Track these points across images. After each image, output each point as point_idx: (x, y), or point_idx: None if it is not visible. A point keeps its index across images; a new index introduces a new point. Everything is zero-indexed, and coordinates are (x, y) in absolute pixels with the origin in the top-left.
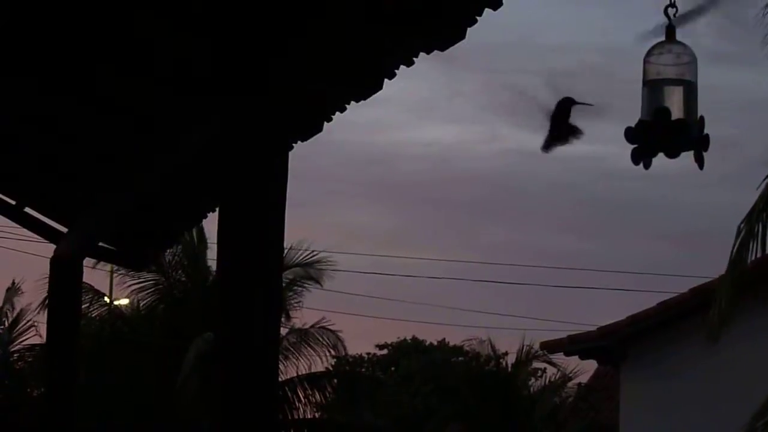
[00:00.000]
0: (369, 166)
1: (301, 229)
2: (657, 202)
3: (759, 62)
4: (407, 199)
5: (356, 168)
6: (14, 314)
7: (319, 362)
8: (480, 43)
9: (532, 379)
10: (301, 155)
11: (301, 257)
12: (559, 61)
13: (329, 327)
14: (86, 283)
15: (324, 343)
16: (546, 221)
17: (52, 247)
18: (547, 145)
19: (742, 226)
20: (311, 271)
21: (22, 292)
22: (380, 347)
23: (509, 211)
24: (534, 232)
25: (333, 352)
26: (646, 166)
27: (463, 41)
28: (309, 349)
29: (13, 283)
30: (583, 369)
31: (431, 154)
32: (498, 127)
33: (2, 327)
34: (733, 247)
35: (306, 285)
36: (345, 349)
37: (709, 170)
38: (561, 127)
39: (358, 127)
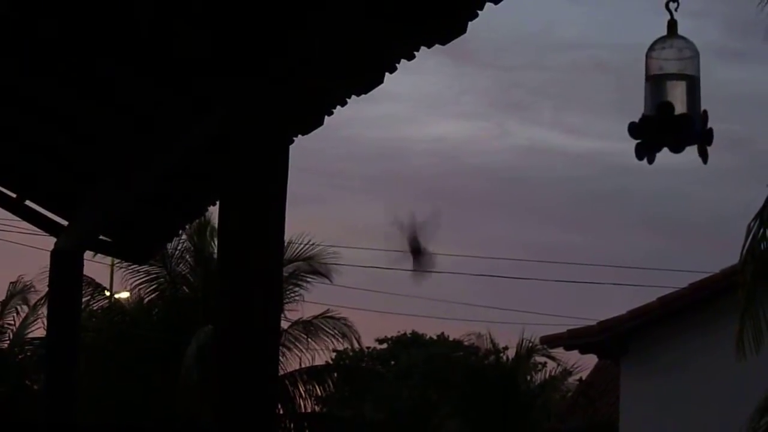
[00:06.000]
0: (377, 162)
1: (307, 224)
2: (660, 197)
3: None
4: (413, 194)
5: (364, 163)
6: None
7: (320, 355)
8: (489, 38)
9: (532, 374)
10: (314, 150)
11: (300, 251)
12: (570, 57)
13: (336, 316)
14: (87, 276)
15: (332, 333)
16: (550, 216)
17: (53, 240)
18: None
19: (752, 224)
20: (316, 265)
21: (27, 284)
22: (380, 341)
23: (513, 205)
24: (537, 227)
25: (342, 341)
26: (650, 161)
27: (468, 36)
28: (314, 341)
29: (18, 279)
30: (585, 365)
31: (439, 150)
32: (506, 122)
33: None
34: (744, 246)
35: (308, 279)
36: (357, 336)
37: (715, 165)
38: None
39: (367, 122)
